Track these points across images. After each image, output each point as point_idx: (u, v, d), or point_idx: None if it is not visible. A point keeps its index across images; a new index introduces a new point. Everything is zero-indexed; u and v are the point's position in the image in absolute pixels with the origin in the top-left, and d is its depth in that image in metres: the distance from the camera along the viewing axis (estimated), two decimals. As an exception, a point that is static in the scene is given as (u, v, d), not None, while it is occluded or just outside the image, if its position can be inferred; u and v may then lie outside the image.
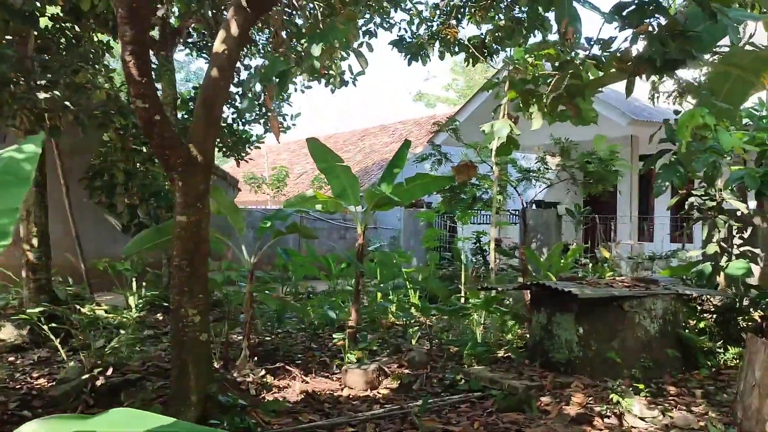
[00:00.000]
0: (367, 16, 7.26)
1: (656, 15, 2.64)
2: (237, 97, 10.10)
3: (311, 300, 8.93)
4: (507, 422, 4.21)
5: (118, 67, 7.95)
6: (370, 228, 15.61)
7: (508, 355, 5.92)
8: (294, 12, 8.56)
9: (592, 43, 3.12)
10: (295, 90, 9.90)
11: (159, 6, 8.25)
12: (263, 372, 5.57)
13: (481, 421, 4.23)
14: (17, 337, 6.56)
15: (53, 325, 5.60)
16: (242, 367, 5.79)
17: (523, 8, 6.90)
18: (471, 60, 7.94)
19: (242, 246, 6.10)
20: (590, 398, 4.53)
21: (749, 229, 6.77)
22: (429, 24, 7.81)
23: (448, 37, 7.34)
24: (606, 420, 4.19)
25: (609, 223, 10.81)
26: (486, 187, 8.09)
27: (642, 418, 4.12)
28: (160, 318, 8.31)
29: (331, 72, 7.85)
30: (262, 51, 10.43)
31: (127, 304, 7.30)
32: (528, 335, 5.99)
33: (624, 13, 2.69)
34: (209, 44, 10.00)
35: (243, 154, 10.69)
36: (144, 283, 7.74)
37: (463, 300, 8.37)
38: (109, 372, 4.56)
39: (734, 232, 6.74)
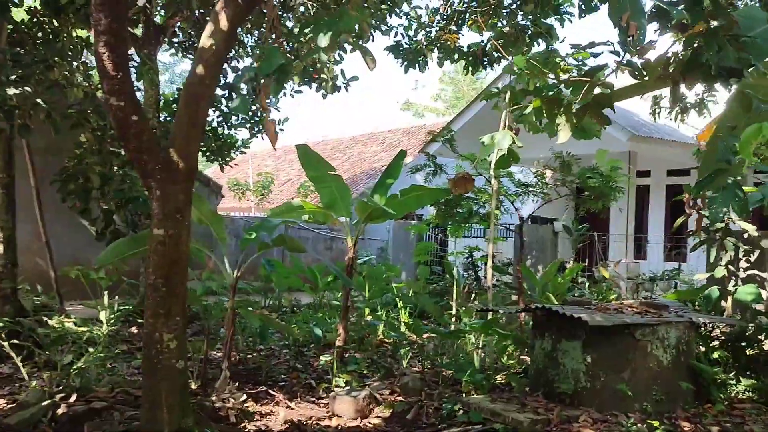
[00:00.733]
0: (364, 18, 6.88)
1: (711, 16, 2.31)
2: (222, 99, 9.67)
3: (296, 315, 8.49)
4: (513, 463, 3.84)
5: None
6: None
7: (507, 382, 5.55)
8: (285, 14, 8.19)
9: (625, 48, 2.79)
10: (284, 94, 9.50)
11: (142, -3, 7.83)
12: (244, 396, 5.14)
13: (485, 461, 3.85)
14: (-24, 351, 6.04)
15: (15, 341, 5.12)
16: (222, 390, 5.35)
17: (528, 15, 6.60)
18: (471, 68, 7.61)
19: (224, 258, 5.68)
20: (601, 436, 4.18)
21: (756, 252, 6.50)
22: (428, 30, 7.46)
23: (448, 43, 7.00)
24: (621, 462, 3.83)
25: (604, 240, 10.53)
26: (483, 201, 7.74)
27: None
28: (135, 331, 7.83)
29: (323, 76, 7.46)
30: (251, 53, 10.03)
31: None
32: (529, 361, 5.62)
33: (678, 10, 2.35)
34: (196, 45, 9.58)
35: (227, 159, 10.25)
36: (117, 296, 7.28)
37: (454, 318, 8.00)
38: (73, 398, 4.10)
39: (740, 255, 6.45)
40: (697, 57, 2.42)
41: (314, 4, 6.79)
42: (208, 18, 4.35)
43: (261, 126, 9.76)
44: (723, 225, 6.31)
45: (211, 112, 9.79)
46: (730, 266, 6.22)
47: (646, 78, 2.90)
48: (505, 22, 6.88)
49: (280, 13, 8.09)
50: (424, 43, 7.22)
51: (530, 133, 7.51)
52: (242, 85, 4.51)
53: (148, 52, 9.00)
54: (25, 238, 9.19)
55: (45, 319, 6.65)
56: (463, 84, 36.68)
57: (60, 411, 3.96)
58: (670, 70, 2.64)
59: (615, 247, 11.06)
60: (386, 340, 7.48)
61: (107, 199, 7.07)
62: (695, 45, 2.44)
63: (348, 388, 5.55)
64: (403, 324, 6.82)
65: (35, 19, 7.42)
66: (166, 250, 3.41)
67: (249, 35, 9.79)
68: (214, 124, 10.00)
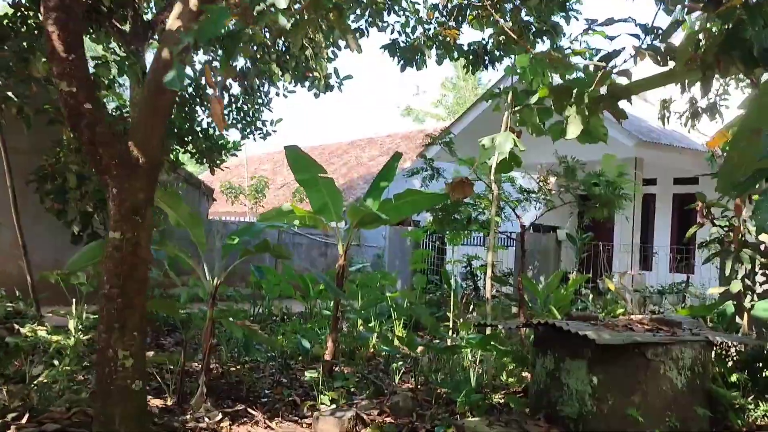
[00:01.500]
0: (358, 12, 6.53)
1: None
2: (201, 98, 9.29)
3: (284, 325, 8.07)
4: (512, 499, 3.42)
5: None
6: (353, 246, 14.80)
7: (505, 401, 5.13)
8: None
9: (647, 31, 2.40)
10: (277, 94, 9.11)
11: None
12: (219, 416, 4.72)
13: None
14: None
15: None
16: (197, 407, 4.94)
17: (532, 11, 6.23)
18: (471, 67, 7.23)
19: (204, 264, 5.28)
20: (610, 467, 3.77)
21: (773, 265, 6.08)
22: (426, 26, 7.09)
23: (448, 39, 6.63)
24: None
25: (608, 250, 10.13)
26: (483, 207, 7.35)
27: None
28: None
29: (315, 74, 7.08)
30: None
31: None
32: (530, 379, 5.20)
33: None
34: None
35: (218, 162, 9.86)
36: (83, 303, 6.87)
37: (451, 331, 7.59)
38: (25, 419, 3.69)
39: (757, 268, 6.04)
40: (736, 34, 2.04)
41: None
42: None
43: (253, 126, 9.38)
44: (740, 236, 5.91)
45: (200, 110, 9.43)
46: (746, 280, 5.81)
47: (672, 65, 2.51)
48: (508, 18, 6.51)
49: None
50: (423, 40, 6.84)
51: (533, 135, 7.13)
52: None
53: (136, 48, 8.64)
54: (6, 241, 8.78)
55: (17, 327, 6.25)
56: (465, 90, 36.37)
57: (8, 434, 3.55)
58: (701, 54, 2.25)
59: (619, 258, 10.65)
60: (379, 354, 7.08)
61: (85, 200, 6.69)
62: (732, 22, 2.06)
63: (333, 407, 5.15)
64: (395, 337, 6.39)
65: (18, 13, 7.09)
66: (122, 255, 3.01)
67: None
68: (204, 124, 9.62)
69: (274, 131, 9.52)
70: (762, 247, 6.04)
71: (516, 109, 6.83)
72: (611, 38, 2.83)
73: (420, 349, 6.19)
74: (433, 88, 41.77)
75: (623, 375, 4.31)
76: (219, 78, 2.58)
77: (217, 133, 9.82)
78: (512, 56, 7.17)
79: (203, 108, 9.44)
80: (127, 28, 8.52)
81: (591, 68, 3.11)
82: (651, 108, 12.38)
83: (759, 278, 6.06)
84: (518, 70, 6.95)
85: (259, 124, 9.54)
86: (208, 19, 2.29)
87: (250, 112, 9.18)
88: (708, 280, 9.79)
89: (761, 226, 1.85)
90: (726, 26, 2.09)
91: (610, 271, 9.23)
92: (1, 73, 5.56)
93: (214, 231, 11.15)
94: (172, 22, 3.22)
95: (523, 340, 6.31)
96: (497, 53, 6.98)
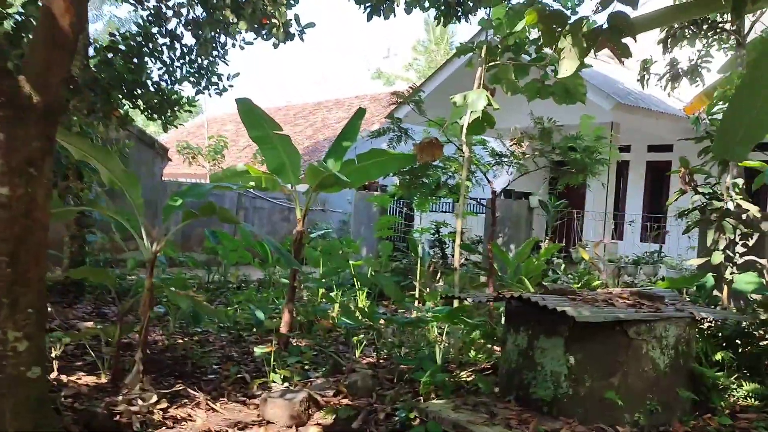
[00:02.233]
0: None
1: None
2: (164, 48, 8.53)
3: (237, 294, 7.56)
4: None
5: None
6: (317, 210, 14.25)
7: (472, 380, 4.74)
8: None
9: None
10: (233, 46, 8.40)
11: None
12: (155, 397, 4.22)
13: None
14: None
15: None
16: (132, 386, 4.43)
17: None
18: (443, 18, 6.66)
19: (141, 229, 4.72)
20: (587, 458, 3.40)
21: (755, 236, 5.76)
22: (395, -30, 6.48)
23: (418, -16, 6.04)
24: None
25: (580, 218, 9.78)
26: (453, 171, 6.87)
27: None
28: (49, 309, 6.81)
29: (274, 21, 6.43)
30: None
31: None
32: (500, 355, 4.81)
33: None
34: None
35: (170, 119, 9.13)
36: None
37: (417, 302, 7.18)
38: None
39: (737, 239, 5.72)
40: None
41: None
42: None
43: (207, 80, 8.66)
44: (721, 204, 5.57)
45: (150, 62, 8.66)
46: (727, 251, 5.48)
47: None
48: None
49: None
50: (391, -16, 6.25)
51: (508, 94, 6.62)
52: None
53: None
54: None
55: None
56: (437, 54, 35.63)
57: None
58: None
59: (591, 226, 10.33)
60: (339, 326, 6.63)
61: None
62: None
63: (285, 386, 4.69)
64: (356, 309, 5.94)
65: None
66: (12, 216, 2.45)
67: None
68: (155, 77, 8.86)
69: (231, 86, 8.81)
70: (744, 216, 5.71)
71: (490, 64, 6.34)
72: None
73: (382, 321, 5.76)
74: (405, 51, 40.84)
75: (602, 355, 3.92)
76: None
77: (169, 87, 9.09)
78: (488, 8, 6.60)
79: (153, 59, 8.68)
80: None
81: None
82: (627, 70, 11.97)
83: (739, 249, 5.74)
84: (493, 23, 6.44)
85: (214, 78, 8.81)
86: None
87: (204, 63, 8.45)
88: (678, 250, 9.57)
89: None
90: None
91: (582, 240, 8.90)
92: None
93: (169, 193, 10.48)
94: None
95: (492, 312, 5.92)
96: (470, 3, 6.42)
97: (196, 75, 8.67)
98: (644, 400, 3.91)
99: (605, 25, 2.29)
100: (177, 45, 8.61)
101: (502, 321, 5.84)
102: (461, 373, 4.92)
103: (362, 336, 5.98)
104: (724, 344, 4.75)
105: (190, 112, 9.18)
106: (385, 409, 4.21)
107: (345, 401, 4.39)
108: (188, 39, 8.76)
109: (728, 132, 3.32)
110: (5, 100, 2.41)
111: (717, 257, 5.36)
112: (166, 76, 8.91)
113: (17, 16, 5.82)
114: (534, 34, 6.53)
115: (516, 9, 6.21)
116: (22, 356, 2.50)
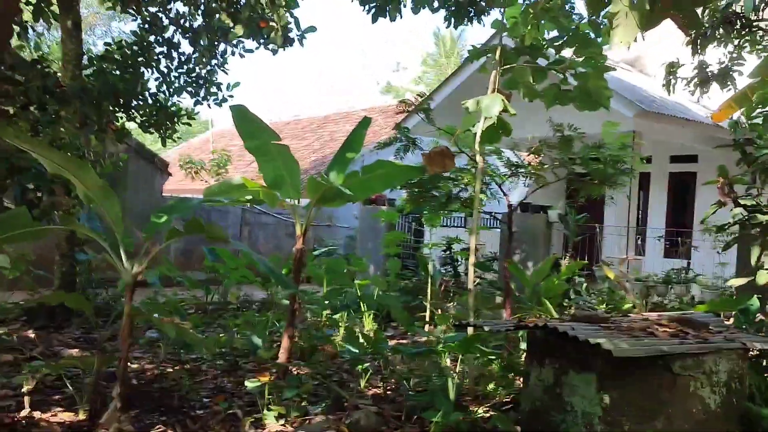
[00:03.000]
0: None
1: None
2: (161, 58, 8.15)
3: (232, 319, 7.06)
4: None
5: None
6: (323, 226, 13.77)
7: (490, 417, 4.20)
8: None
9: None
10: (233, 54, 8.00)
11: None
12: (132, 439, 3.73)
13: None
14: None
15: None
16: (109, 425, 3.94)
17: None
18: (453, 19, 6.20)
19: (120, 248, 4.25)
20: None
21: (798, 253, 5.21)
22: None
23: (426, -19, 5.59)
24: None
25: (601, 234, 9.24)
26: (465, 183, 6.36)
27: None
28: (32, 336, 6.35)
29: (272, 24, 6.00)
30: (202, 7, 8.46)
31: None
32: (521, 389, 4.27)
33: None
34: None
35: (168, 132, 8.72)
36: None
37: (427, 325, 6.65)
38: None
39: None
40: None
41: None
42: None
43: (205, 90, 8.26)
44: (765, 218, 5.02)
45: (147, 72, 8.28)
46: (770, 269, 4.93)
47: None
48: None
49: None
50: (397, -17, 5.80)
51: (524, 99, 6.10)
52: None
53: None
54: None
55: None
56: (447, 67, 35.32)
57: None
58: None
59: (613, 241, 9.75)
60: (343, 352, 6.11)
61: (-8, 171, 5.59)
62: None
63: (281, 424, 4.18)
64: (360, 336, 5.43)
65: None
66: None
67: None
68: (152, 88, 8.48)
69: (231, 96, 8.40)
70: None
71: (505, 67, 5.85)
72: None
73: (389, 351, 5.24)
74: (414, 65, 40.66)
75: (643, 394, 3.38)
76: None
77: (166, 97, 8.70)
78: (501, 9, 6.14)
79: (150, 69, 8.30)
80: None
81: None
82: (650, 77, 11.46)
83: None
84: (507, 24, 5.97)
85: (213, 89, 8.41)
86: None
87: (203, 73, 8.06)
88: (706, 266, 8.97)
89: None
90: None
91: (603, 257, 8.35)
92: None
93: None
94: None
95: (510, 339, 5.38)
96: (482, 2, 5.96)
97: (195, 85, 8.29)
98: (693, 446, 3.36)
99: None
100: (174, 54, 8.24)
101: (522, 345, 5.32)
102: (477, 409, 4.39)
103: (368, 364, 5.46)
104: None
105: (189, 125, 8.77)
106: (391, 454, 3.68)
107: (346, 444, 3.86)
108: (186, 47, 8.42)
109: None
110: None
111: (763, 277, 4.81)
112: (163, 87, 8.53)
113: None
114: (552, 34, 6.06)
115: (533, 5, 5.76)
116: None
